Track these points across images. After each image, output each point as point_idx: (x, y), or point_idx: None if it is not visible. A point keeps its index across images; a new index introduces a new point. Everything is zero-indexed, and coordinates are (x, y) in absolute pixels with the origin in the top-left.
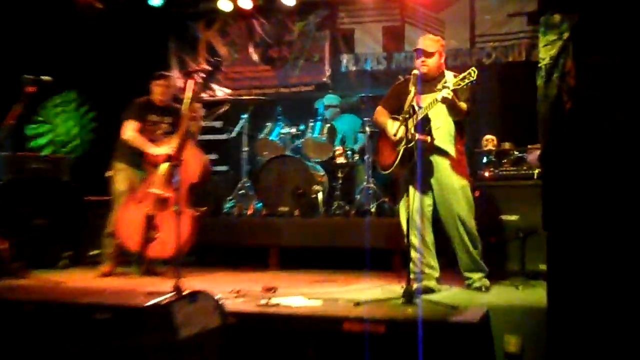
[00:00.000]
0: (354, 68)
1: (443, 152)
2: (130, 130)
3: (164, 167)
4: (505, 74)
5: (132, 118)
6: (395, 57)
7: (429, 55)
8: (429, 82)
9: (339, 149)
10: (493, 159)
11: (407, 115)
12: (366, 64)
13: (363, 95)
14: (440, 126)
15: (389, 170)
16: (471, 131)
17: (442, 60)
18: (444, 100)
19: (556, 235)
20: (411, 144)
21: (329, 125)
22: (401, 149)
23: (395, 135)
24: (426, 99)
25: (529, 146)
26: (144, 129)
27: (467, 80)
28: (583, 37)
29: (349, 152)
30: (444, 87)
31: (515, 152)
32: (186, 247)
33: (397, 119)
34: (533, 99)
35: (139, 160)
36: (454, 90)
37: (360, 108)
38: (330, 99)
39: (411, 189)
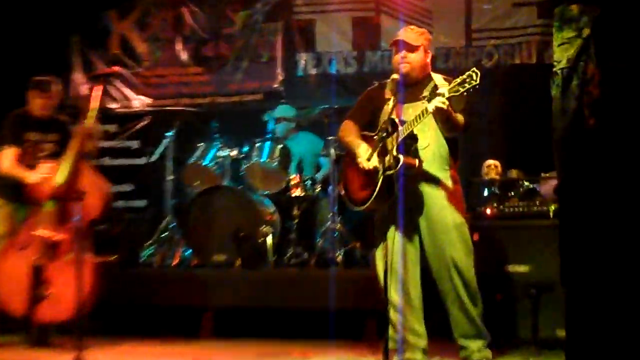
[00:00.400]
0: (314, 71)
1: (434, 180)
2: (6, 161)
3: (53, 201)
4: (510, 80)
5: (8, 142)
6: (369, 57)
7: (412, 49)
8: (412, 87)
9: (294, 178)
10: (496, 192)
11: (385, 133)
12: (331, 65)
13: (327, 106)
14: (428, 145)
15: (363, 207)
16: (467, 154)
17: (429, 59)
18: (438, 111)
19: (577, 293)
20: (392, 171)
21: (281, 146)
22: (379, 178)
23: (369, 159)
24: (409, 110)
25: (542, 174)
26: (22, 152)
27: (467, 86)
28: (609, 35)
29: (307, 182)
30: (436, 94)
31: (525, 183)
32: (88, 308)
33: (371, 138)
34: (547, 114)
35: (21, 194)
36: (448, 99)
37: (322, 123)
38: (284, 111)
39: (391, 231)
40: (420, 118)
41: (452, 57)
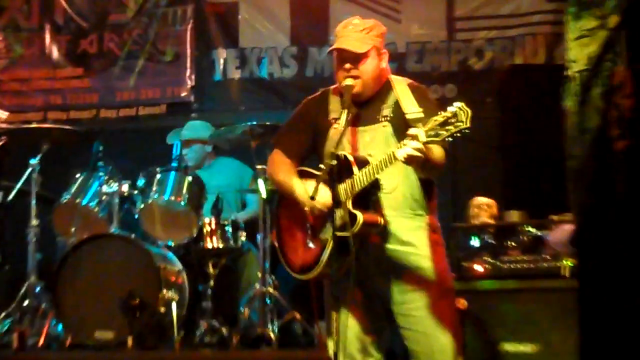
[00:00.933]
0: (237, 74)
1: (404, 234)
2: None
3: None
4: (509, 88)
5: None
6: (313, 55)
7: (358, 59)
8: (366, 105)
9: (209, 223)
10: (490, 241)
11: (335, 174)
12: (260, 67)
13: (255, 123)
14: (395, 188)
15: (306, 276)
16: (450, 189)
17: (384, 63)
18: (410, 161)
19: None
20: (347, 233)
21: (191, 178)
22: (328, 240)
23: (312, 211)
24: (366, 137)
25: (552, 217)
26: None
27: (452, 130)
28: None
29: (228, 229)
30: (411, 137)
31: (529, 229)
32: None
33: (313, 175)
34: (559, 134)
35: None
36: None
37: (249, 146)
38: (195, 129)
39: (346, 301)
40: (384, 166)
41: (428, 55)
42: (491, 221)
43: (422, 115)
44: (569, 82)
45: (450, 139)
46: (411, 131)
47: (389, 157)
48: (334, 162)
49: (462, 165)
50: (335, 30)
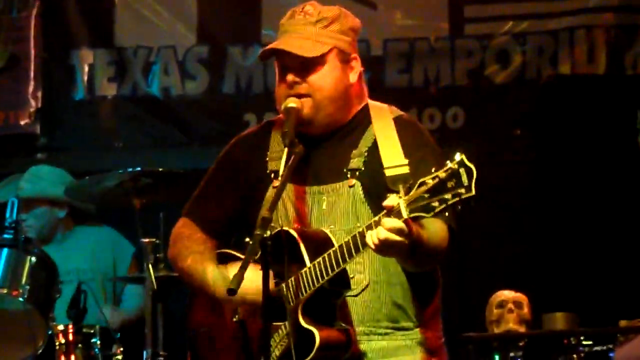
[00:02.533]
0: (112, 90)
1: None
2: None
3: None
4: (550, 113)
5: None
6: (234, 59)
7: (309, 66)
8: (324, 147)
9: (64, 330)
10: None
11: (270, 257)
12: (150, 77)
13: (140, 169)
14: (367, 286)
15: None
16: (458, 280)
17: (354, 76)
18: (385, 249)
19: None
20: (311, 356)
21: (35, 258)
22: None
23: (235, 316)
24: (323, 203)
25: (621, 323)
26: None
27: (448, 197)
28: None
29: (95, 340)
30: (386, 212)
31: (584, 342)
32: None
33: (237, 259)
34: (631, 188)
35: None
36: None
37: (129, 208)
38: (40, 181)
39: None
40: (347, 256)
41: (420, 60)
42: (522, 329)
43: (406, 170)
44: None
45: (446, 213)
46: (387, 202)
47: (354, 242)
48: (267, 233)
49: (475, 241)
50: (280, 22)
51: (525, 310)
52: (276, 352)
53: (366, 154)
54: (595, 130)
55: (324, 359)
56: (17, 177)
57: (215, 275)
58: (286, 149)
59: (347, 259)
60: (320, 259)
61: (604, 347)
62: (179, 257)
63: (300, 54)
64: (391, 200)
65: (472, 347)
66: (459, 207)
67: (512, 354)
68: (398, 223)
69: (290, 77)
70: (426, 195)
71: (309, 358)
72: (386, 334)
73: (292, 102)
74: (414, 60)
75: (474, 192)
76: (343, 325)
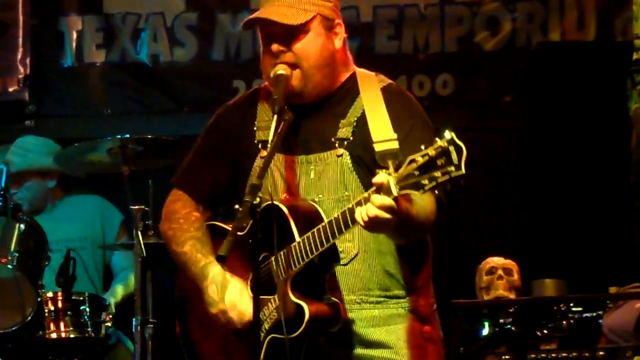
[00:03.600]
0: (101, 57)
1: (376, 331)
2: None
3: None
4: (539, 80)
5: None
6: (223, 26)
7: (292, 35)
8: (311, 116)
9: (54, 297)
10: (511, 327)
11: (258, 229)
12: (139, 44)
13: (128, 136)
14: (356, 255)
15: None
16: (447, 247)
17: (340, 44)
18: (375, 226)
19: None
20: (284, 336)
21: (24, 225)
22: (262, 345)
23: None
24: (311, 172)
25: (610, 290)
26: None
27: (438, 175)
28: None
29: (85, 308)
30: (375, 188)
31: (573, 308)
32: None
33: (226, 232)
34: (618, 154)
35: None
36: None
37: (118, 175)
38: (28, 152)
39: None
40: (337, 231)
41: (409, 27)
42: (512, 295)
43: (395, 146)
44: (638, 70)
45: (436, 191)
46: (376, 179)
47: (343, 218)
48: (257, 200)
49: (464, 208)
50: None
51: (515, 276)
52: (265, 326)
53: (355, 123)
54: (585, 97)
55: (313, 332)
56: (4, 148)
57: (215, 274)
58: (275, 117)
59: (337, 235)
60: (309, 233)
61: (594, 314)
62: (174, 239)
63: (284, 22)
64: (380, 177)
65: (462, 314)
66: (449, 185)
67: (501, 321)
68: (387, 200)
69: (275, 47)
70: (416, 173)
71: (298, 332)
72: (378, 302)
73: (281, 69)
74: (403, 27)
75: (464, 170)
76: (332, 299)
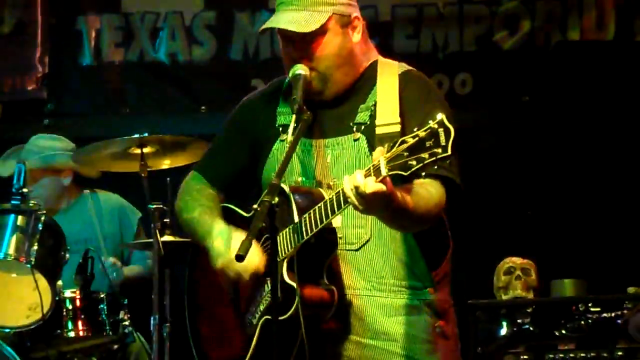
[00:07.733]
0: (119, 56)
1: (387, 323)
2: None
3: None
4: (558, 80)
5: None
6: (241, 25)
7: (309, 40)
8: (335, 105)
9: (72, 297)
10: (529, 327)
11: (272, 219)
12: (157, 43)
13: (146, 135)
14: (368, 241)
15: None
16: (466, 245)
17: (358, 36)
18: (364, 207)
19: None
20: (292, 311)
21: (42, 224)
22: (254, 328)
23: (240, 279)
24: (328, 155)
25: (629, 290)
26: None
27: (425, 159)
28: None
29: (103, 307)
30: (368, 168)
31: (592, 308)
32: None
33: (237, 215)
34: (637, 152)
35: None
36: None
37: (138, 175)
38: (45, 150)
39: None
40: (336, 207)
41: (428, 26)
42: (530, 295)
43: (397, 129)
44: None
45: (423, 173)
46: (372, 154)
47: (337, 198)
48: (275, 200)
49: (483, 208)
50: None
51: (533, 276)
52: (260, 307)
53: (372, 109)
54: (604, 96)
55: (307, 317)
56: (19, 148)
57: (220, 231)
58: (294, 116)
59: (330, 215)
60: (306, 214)
61: (612, 314)
62: (185, 208)
63: (298, 30)
64: (374, 156)
65: (480, 314)
66: (435, 166)
67: (519, 321)
68: (377, 186)
69: (292, 52)
70: (405, 154)
71: (288, 314)
72: (392, 291)
73: (300, 69)
74: (422, 26)
75: (449, 152)
76: (329, 284)
